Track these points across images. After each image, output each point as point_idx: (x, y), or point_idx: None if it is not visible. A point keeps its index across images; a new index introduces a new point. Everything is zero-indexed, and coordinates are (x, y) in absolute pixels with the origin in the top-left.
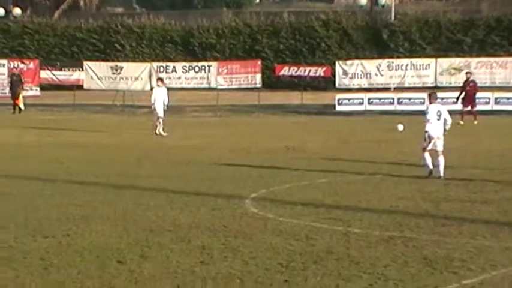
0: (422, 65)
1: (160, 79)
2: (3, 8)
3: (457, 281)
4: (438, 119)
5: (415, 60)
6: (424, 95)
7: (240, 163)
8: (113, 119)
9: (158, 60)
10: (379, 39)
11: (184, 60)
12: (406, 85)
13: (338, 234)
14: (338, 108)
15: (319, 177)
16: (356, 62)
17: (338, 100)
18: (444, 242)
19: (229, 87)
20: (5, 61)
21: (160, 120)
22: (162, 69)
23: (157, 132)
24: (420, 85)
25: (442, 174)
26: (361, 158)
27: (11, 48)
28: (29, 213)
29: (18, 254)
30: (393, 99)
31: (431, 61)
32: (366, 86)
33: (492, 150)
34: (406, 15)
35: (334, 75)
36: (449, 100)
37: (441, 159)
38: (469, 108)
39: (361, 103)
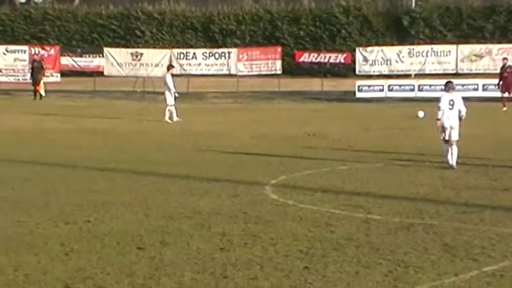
0: (443, 51)
1: (171, 66)
2: None
3: (477, 268)
4: (451, 108)
5: (435, 47)
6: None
7: (260, 149)
8: (133, 105)
9: (178, 47)
10: (400, 26)
11: (205, 47)
12: (427, 72)
13: (358, 221)
14: (358, 94)
15: (340, 164)
16: (376, 48)
17: (358, 87)
18: (465, 229)
19: (250, 73)
20: (26, 47)
21: (174, 107)
22: (182, 55)
23: (173, 120)
24: (441, 72)
25: (454, 163)
26: (381, 145)
27: (32, 35)
28: (51, 199)
29: (40, 239)
30: (414, 86)
31: (452, 48)
32: (387, 72)
33: None
34: (427, 2)
35: (354, 62)
36: (470, 87)
37: (454, 149)
38: (506, 94)
39: (382, 90)
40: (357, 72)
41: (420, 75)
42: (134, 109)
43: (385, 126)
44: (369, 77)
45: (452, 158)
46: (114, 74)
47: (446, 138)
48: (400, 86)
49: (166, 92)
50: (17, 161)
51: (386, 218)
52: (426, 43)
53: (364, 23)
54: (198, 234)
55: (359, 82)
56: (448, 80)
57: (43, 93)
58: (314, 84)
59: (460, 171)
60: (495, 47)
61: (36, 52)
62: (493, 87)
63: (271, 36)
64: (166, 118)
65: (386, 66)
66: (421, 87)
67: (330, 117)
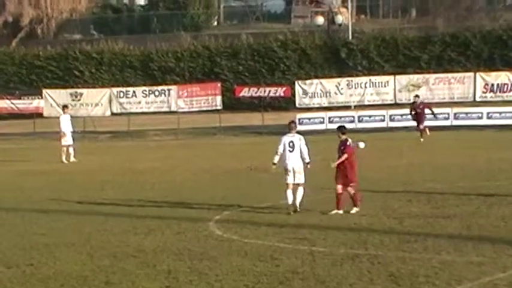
0: (381, 82)
1: (65, 106)
2: None
3: None
4: (291, 151)
5: (373, 78)
6: (384, 112)
7: (203, 185)
8: (74, 145)
9: (118, 86)
10: (338, 58)
11: (144, 85)
12: (366, 103)
13: (303, 254)
14: (299, 127)
15: (282, 197)
16: (315, 81)
17: (299, 120)
18: (409, 258)
19: (190, 110)
20: None
21: (71, 148)
22: (122, 94)
23: (69, 160)
24: (380, 102)
25: (297, 203)
26: (323, 177)
27: None
28: None
29: None
30: (353, 117)
31: (389, 78)
32: (326, 104)
33: (452, 165)
34: (363, 34)
35: (294, 95)
36: (408, 117)
37: (299, 191)
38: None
39: (322, 122)
40: (297, 105)
41: (360, 107)
42: (75, 149)
43: (327, 157)
44: (309, 109)
45: (296, 198)
46: (54, 115)
47: (290, 181)
48: (340, 117)
49: (67, 132)
50: None
51: (331, 250)
52: (364, 74)
53: (302, 56)
54: (143, 273)
55: (299, 115)
56: (291, 120)
57: None
58: (255, 118)
59: (402, 200)
60: (432, 77)
61: None
62: (431, 116)
63: (210, 72)
64: (72, 158)
65: (326, 98)
66: (360, 118)
67: (271, 151)
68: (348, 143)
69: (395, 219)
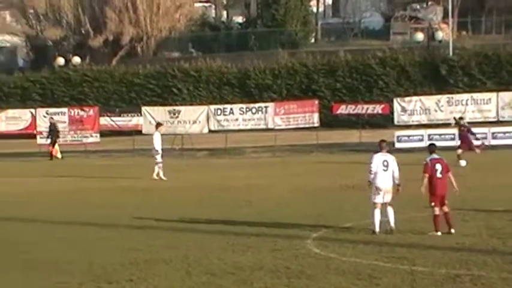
0: (483, 99)
1: (159, 124)
2: (63, 57)
3: None
4: (385, 170)
5: (475, 95)
6: (486, 129)
7: (300, 203)
8: (172, 162)
9: (215, 103)
10: (438, 75)
11: (241, 102)
12: (467, 120)
13: (403, 273)
14: (397, 145)
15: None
16: (414, 98)
17: (397, 137)
18: None
19: (287, 127)
20: (65, 109)
21: (161, 164)
22: (219, 111)
23: (160, 177)
24: (481, 120)
25: (392, 225)
26: (415, 194)
27: (71, 96)
28: (93, 259)
29: None
30: (454, 135)
31: (492, 95)
32: (426, 122)
33: None
34: (465, 50)
35: (392, 112)
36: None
37: (390, 210)
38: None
39: (421, 140)
40: (395, 122)
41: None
42: (173, 166)
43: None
44: (408, 127)
45: (390, 219)
46: (153, 132)
47: (379, 201)
48: (440, 135)
49: (154, 151)
50: (58, 222)
51: (432, 270)
52: (465, 91)
53: (401, 73)
54: None
55: (398, 132)
56: (382, 139)
57: (59, 156)
58: (352, 136)
59: (505, 220)
60: None
61: (76, 113)
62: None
63: (307, 89)
64: (154, 175)
65: (425, 115)
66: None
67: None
68: (424, 162)
69: (499, 239)
